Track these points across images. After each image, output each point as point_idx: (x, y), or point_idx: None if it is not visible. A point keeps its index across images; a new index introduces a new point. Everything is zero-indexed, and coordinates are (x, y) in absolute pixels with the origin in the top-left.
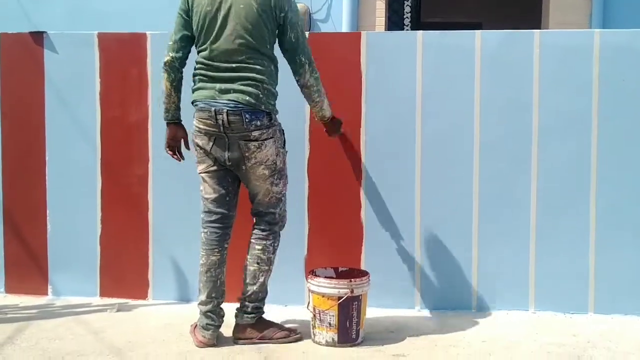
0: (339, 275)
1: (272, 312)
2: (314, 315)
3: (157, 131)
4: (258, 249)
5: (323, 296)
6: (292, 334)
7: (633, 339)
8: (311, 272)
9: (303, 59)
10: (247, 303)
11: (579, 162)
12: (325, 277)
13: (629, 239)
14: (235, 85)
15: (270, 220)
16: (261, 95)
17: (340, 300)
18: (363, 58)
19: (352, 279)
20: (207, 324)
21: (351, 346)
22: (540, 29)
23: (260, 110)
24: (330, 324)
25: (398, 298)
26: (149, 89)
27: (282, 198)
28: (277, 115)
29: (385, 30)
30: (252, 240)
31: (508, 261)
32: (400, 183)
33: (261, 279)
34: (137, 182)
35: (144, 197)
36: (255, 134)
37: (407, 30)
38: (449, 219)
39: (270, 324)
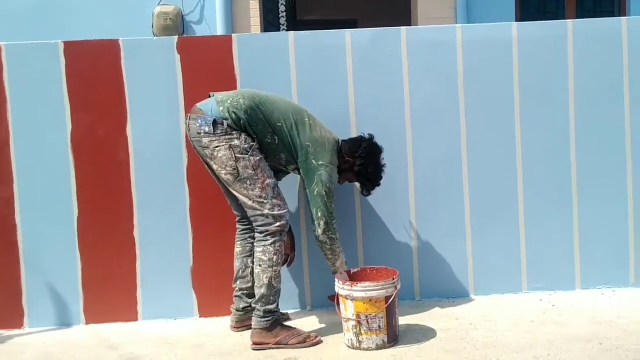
0: (354, 277)
1: (161, 326)
2: (358, 322)
3: (20, 150)
4: (258, 251)
5: (370, 300)
6: (309, 339)
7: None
8: (340, 281)
9: (318, 214)
10: (258, 307)
11: (450, 150)
12: (362, 280)
13: (499, 225)
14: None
15: (262, 222)
16: (218, 103)
17: (389, 301)
18: (236, 61)
19: (389, 277)
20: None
21: (396, 344)
22: (410, 22)
23: (209, 117)
24: (379, 326)
25: None
26: (7, 104)
27: (266, 199)
28: (241, 124)
29: (261, 30)
30: (254, 244)
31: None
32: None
33: (265, 280)
34: (2, 205)
35: (10, 219)
36: (205, 140)
37: (284, 29)
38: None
39: (286, 329)
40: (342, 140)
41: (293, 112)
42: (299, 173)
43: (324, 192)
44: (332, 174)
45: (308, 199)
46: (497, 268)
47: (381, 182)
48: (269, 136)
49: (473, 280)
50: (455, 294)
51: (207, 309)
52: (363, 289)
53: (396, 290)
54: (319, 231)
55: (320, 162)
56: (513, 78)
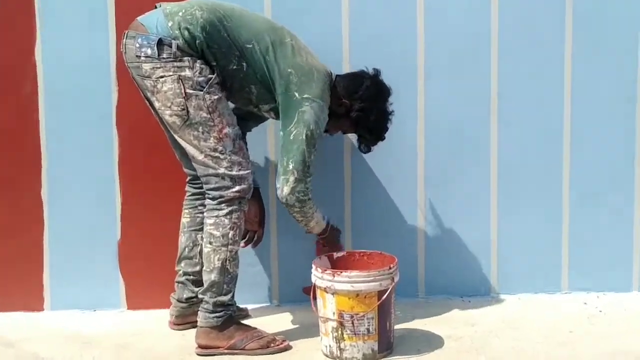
0: (337, 265)
1: (75, 320)
2: (340, 324)
3: None
4: (209, 224)
5: (357, 295)
6: (273, 343)
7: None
8: (319, 268)
9: (289, 165)
10: (207, 298)
11: (477, 105)
12: (345, 269)
13: (535, 206)
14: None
15: (216, 184)
16: (166, 17)
17: (383, 297)
18: None
19: (384, 265)
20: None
21: (389, 354)
22: None
23: (152, 35)
24: (368, 331)
25: None
26: None
27: (223, 153)
28: (197, 47)
29: None
30: (204, 215)
31: None
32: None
33: (217, 263)
34: None
35: None
36: (147, 67)
37: None
38: None
39: (243, 329)
40: (336, 75)
41: (269, 31)
42: (277, 116)
43: (304, 136)
44: (319, 112)
45: (282, 147)
46: (530, 260)
47: (386, 135)
48: (234, 62)
49: (497, 275)
50: (471, 292)
51: (138, 298)
52: (349, 280)
53: (393, 284)
54: (286, 190)
55: (305, 96)
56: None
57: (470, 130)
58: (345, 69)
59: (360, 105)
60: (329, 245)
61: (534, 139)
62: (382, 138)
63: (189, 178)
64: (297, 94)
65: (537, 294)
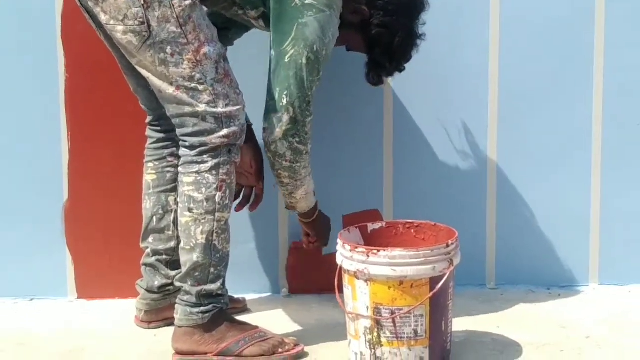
0: (373, 240)
1: (7, 312)
2: (377, 323)
3: None
4: (187, 184)
5: (402, 283)
6: (281, 348)
7: None
8: (347, 244)
9: (283, 99)
10: (187, 287)
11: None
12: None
13: None
14: None
15: (194, 128)
16: None
17: (438, 286)
18: None
19: (440, 242)
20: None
21: None
22: None
23: None
24: (416, 332)
25: None
26: None
27: (203, 82)
28: None
29: None
30: (179, 170)
31: None
32: None
33: (200, 238)
34: None
35: None
36: None
37: None
38: None
39: (238, 328)
40: None
41: None
42: (268, 26)
43: (304, 60)
44: (326, 26)
45: (271, 71)
46: None
47: (407, 64)
48: None
49: (598, 260)
50: (562, 281)
51: (92, 284)
52: (390, 262)
53: (452, 268)
54: (277, 132)
55: (308, 1)
56: None
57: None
58: None
59: (384, 19)
60: (317, 236)
61: None
62: (402, 67)
63: (149, 118)
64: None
65: None
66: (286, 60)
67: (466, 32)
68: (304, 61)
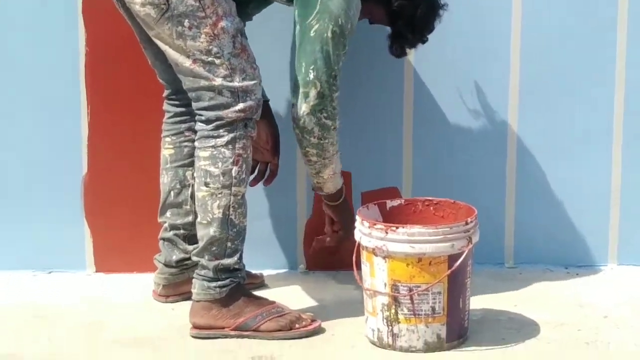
0: (392, 217)
1: (25, 285)
2: (395, 300)
3: None
4: (204, 158)
5: (420, 260)
6: (299, 323)
7: None
8: (365, 220)
9: (309, 74)
10: (204, 261)
11: None
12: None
13: None
14: None
15: (211, 102)
16: None
17: (456, 264)
18: None
19: (459, 219)
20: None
21: (462, 343)
22: None
23: None
24: (434, 309)
25: None
26: None
27: (220, 56)
28: None
29: None
30: (196, 145)
31: None
32: None
33: (217, 212)
34: None
35: None
36: None
37: None
38: None
39: (255, 303)
40: None
41: None
42: (290, 1)
43: (329, 33)
44: (350, 1)
45: (296, 45)
46: None
47: (429, 35)
48: None
49: (617, 238)
50: (580, 261)
51: (111, 258)
52: (408, 238)
53: (470, 246)
54: (304, 108)
55: None
56: None
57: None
58: None
59: None
60: (341, 222)
61: None
62: (425, 40)
63: (166, 92)
64: None
65: None
66: (311, 35)
67: (489, 2)
68: (330, 34)
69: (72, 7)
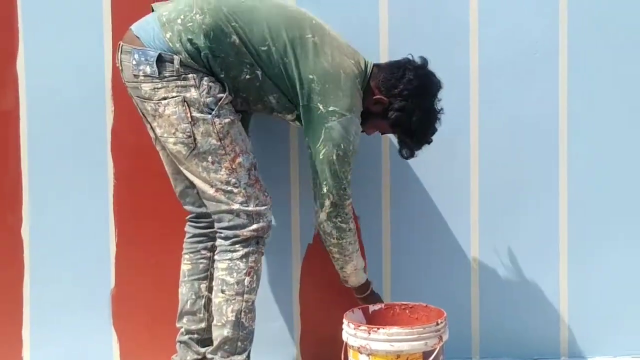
0: (374, 319)
1: None
2: None
3: None
4: (222, 269)
5: (399, 357)
6: None
7: None
8: (351, 323)
9: (323, 189)
10: (217, 358)
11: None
12: (383, 325)
13: (618, 246)
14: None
15: (229, 222)
16: (162, 26)
17: (430, 359)
18: None
19: (431, 320)
20: None
21: None
22: None
23: (151, 49)
24: None
25: None
26: None
27: (237, 186)
28: (202, 59)
29: None
30: (216, 259)
31: None
32: None
33: (230, 316)
34: None
35: None
36: (146, 87)
37: None
38: None
39: None
40: (374, 65)
41: (287, 26)
42: (302, 123)
43: (334, 157)
44: (349, 127)
45: (310, 165)
46: (609, 316)
47: (433, 138)
48: (246, 71)
49: (567, 334)
50: (537, 354)
51: (134, 358)
52: (388, 338)
53: (441, 343)
54: (322, 215)
55: (331, 108)
56: None
57: (535, 151)
58: (383, 55)
59: (400, 104)
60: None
61: (615, 162)
62: (428, 141)
63: (190, 216)
64: (321, 107)
65: (619, 357)
66: (320, 157)
67: None
68: (335, 157)
69: (102, 145)
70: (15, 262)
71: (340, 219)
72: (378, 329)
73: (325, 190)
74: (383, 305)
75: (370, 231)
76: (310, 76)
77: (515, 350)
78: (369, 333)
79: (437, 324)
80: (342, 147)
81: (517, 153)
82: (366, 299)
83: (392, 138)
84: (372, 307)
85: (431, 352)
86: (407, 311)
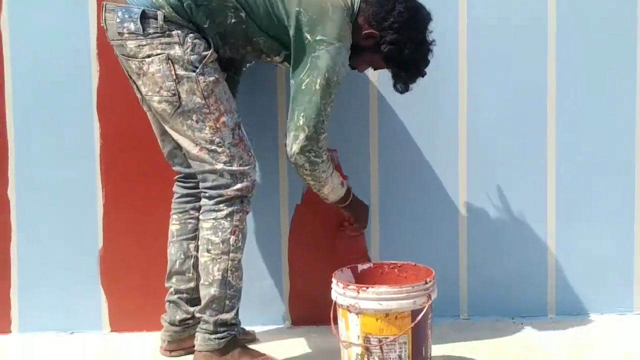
0: (363, 278)
1: (48, 344)
2: (367, 350)
3: None
4: (206, 229)
5: (387, 315)
6: None
7: None
8: (340, 282)
9: (300, 120)
10: (206, 317)
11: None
12: (371, 284)
13: (604, 209)
14: None
15: (213, 182)
16: None
17: (418, 317)
18: None
19: (420, 279)
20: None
21: None
22: None
23: (135, 5)
24: (400, 357)
25: None
26: None
27: (221, 145)
28: (185, 10)
29: None
30: (200, 218)
31: None
32: None
33: (217, 274)
34: None
35: None
36: (131, 45)
37: None
38: None
39: (249, 354)
40: (361, 0)
41: None
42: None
43: (317, 86)
44: (336, 56)
45: (291, 99)
46: (595, 274)
47: (426, 69)
48: (230, 15)
49: (555, 292)
50: (525, 312)
51: (123, 319)
52: (377, 297)
53: (430, 302)
54: (295, 148)
55: (319, 37)
56: None
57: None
58: None
59: (392, 37)
60: (354, 217)
61: (601, 134)
62: (422, 74)
63: (178, 176)
64: (308, 36)
65: (605, 314)
66: (303, 88)
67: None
68: (318, 87)
69: (88, 105)
70: (2, 226)
71: (313, 154)
72: (367, 287)
73: (301, 122)
74: (372, 264)
75: (357, 188)
76: (297, 8)
77: (502, 308)
78: (358, 292)
79: (426, 283)
80: (327, 76)
81: (505, 107)
82: (348, 206)
83: (381, 89)
84: (361, 266)
85: (420, 310)
86: (395, 270)
